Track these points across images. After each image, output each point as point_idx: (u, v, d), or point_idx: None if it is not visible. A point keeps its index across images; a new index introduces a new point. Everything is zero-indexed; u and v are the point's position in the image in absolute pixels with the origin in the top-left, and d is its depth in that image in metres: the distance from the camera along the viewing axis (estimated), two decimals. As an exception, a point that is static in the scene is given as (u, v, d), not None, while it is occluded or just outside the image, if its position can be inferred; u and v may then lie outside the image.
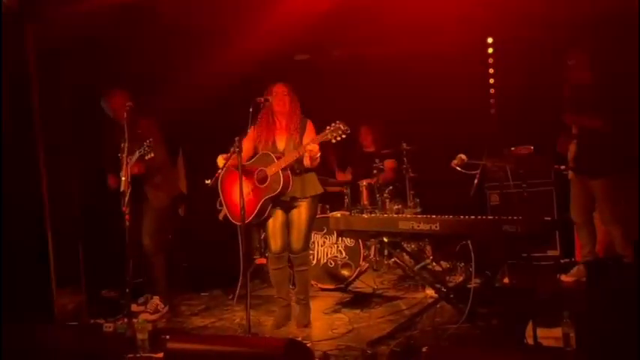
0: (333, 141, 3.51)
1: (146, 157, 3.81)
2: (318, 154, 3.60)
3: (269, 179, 3.69)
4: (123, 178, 3.81)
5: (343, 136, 3.49)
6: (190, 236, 5.40)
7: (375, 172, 5.25)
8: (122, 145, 3.85)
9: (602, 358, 2.59)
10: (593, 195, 4.24)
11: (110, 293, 4.86)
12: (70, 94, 4.33)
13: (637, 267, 3.24)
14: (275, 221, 3.84)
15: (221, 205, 3.98)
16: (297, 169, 3.74)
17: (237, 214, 3.57)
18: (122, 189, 3.83)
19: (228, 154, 3.64)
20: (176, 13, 4.55)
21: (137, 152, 3.84)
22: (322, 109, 4.06)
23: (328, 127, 3.51)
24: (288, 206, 3.81)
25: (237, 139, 3.51)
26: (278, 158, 3.67)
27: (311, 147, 3.56)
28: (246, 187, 3.65)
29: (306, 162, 3.68)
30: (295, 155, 3.62)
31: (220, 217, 4.01)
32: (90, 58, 4.64)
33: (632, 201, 4.34)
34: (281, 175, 3.64)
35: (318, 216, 4.92)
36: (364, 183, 5.27)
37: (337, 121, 3.50)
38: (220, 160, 3.72)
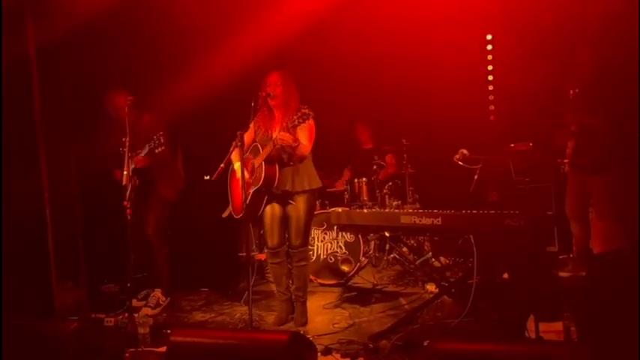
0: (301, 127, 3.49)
1: (156, 151, 3.76)
2: (290, 142, 3.47)
3: (255, 171, 3.65)
4: (125, 173, 3.80)
5: (307, 119, 3.45)
6: (188, 232, 5.39)
7: (374, 167, 5.25)
8: (124, 139, 3.84)
9: (605, 351, 2.61)
10: (590, 191, 4.26)
11: (110, 288, 4.87)
12: (70, 89, 4.31)
13: (637, 261, 3.27)
14: (272, 216, 3.75)
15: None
16: (287, 160, 3.65)
17: (238, 208, 3.55)
18: (124, 183, 3.82)
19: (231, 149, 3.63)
20: (175, 8, 4.55)
21: (147, 146, 3.81)
22: (322, 104, 4.05)
23: (295, 115, 3.49)
24: (283, 201, 3.72)
25: (239, 133, 3.47)
26: (263, 149, 3.61)
27: (281, 135, 3.47)
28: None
29: (284, 154, 3.61)
30: (270, 147, 3.54)
31: (224, 214, 3.97)
32: (90, 53, 4.62)
33: (630, 197, 4.37)
34: (263, 168, 3.57)
35: (318, 212, 4.95)
36: (363, 179, 5.27)
37: (305, 106, 3.52)
38: (235, 156, 3.67)
